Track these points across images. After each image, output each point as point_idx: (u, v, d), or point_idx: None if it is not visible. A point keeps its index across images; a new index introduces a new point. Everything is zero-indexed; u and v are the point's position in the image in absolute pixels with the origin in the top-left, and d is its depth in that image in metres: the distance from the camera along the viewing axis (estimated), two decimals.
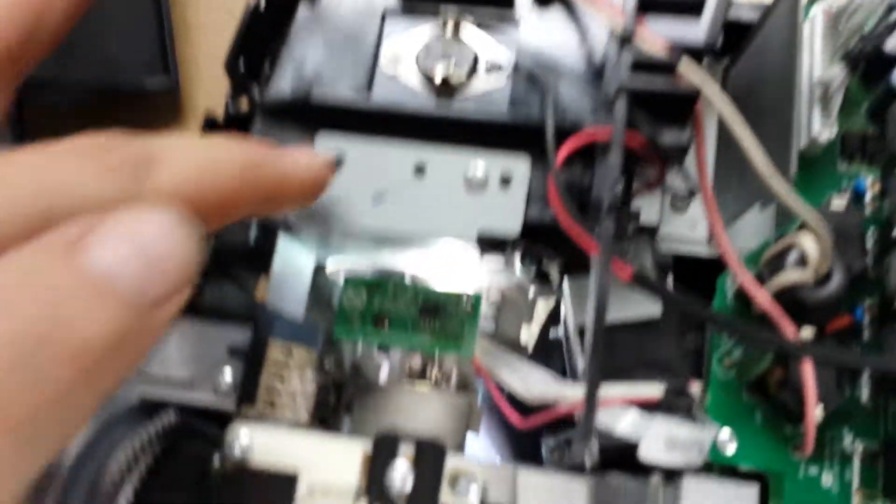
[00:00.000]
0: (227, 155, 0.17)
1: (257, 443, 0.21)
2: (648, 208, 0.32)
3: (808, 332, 0.26)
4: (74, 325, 0.13)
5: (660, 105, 0.22)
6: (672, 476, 0.24)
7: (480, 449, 0.36)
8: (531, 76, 0.26)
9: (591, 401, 0.20)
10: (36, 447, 0.13)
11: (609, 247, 0.20)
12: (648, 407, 0.24)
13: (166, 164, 0.16)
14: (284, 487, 0.21)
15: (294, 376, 0.32)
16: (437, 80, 0.26)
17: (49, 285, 0.13)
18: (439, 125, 0.25)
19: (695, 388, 0.26)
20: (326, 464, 0.22)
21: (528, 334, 0.34)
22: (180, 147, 0.16)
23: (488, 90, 0.26)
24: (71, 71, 0.42)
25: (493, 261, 0.26)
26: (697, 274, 0.32)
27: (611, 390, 0.23)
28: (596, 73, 0.25)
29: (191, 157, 0.16)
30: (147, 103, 0.47)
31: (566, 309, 0.29)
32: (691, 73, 0.23)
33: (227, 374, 0.25)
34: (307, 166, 0.20)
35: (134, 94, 0.46)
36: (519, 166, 0.24)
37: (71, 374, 0.13)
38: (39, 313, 0.13)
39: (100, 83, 0.44)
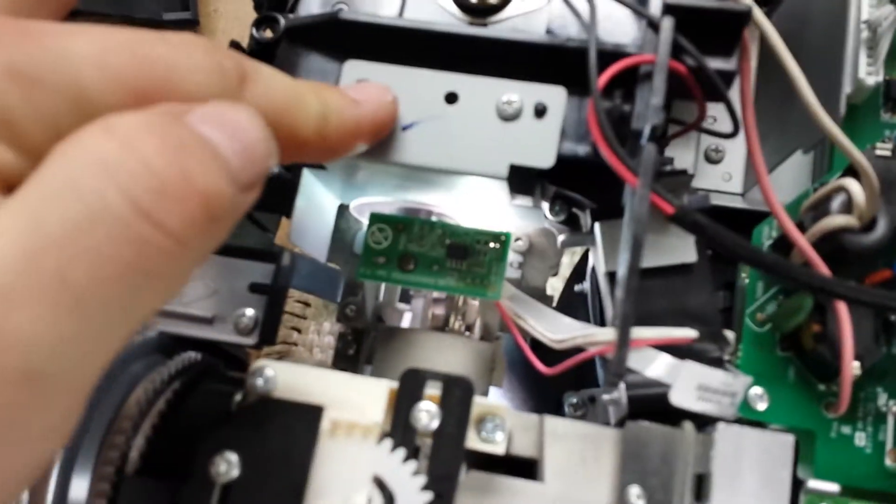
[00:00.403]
0: (312, 100, 0.19)
1: (282, 378, 0.21)
2: (682, 157, 0.31)
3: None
4: (194, 177, 0.14)
5: (708, 27, 0.21)
6: (704, 424, 0.23)
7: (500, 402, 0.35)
8: None
9: (623, 339, 0.19)
10: (146, 295, 0.14)
11: (650, 174, 0.19)
12: (680, 354, 0.23)
13: (262, 85, 0.17)
14: (309, 419, 0.20)
15: (311, 328, 0.31)
16: (473, 1, 0.24)
17: (172, 135, 0.14)
18: (472, 48, 0.24)
19: (729, 334, 0.25)
20: (351, 401, 0.21)
21: (553, 288, 0.33)
22: (274, 77, 0.18)
23: (525, 14, 0.24)
24: (90, 2, 0.41)
25: (523, 201, 0.26)
26: (731, 228, 0.31)
27: (643, 332, 0.22)
28: None
29: (281, 88, 0.18)
30: None
31: (596, 256, 0.28)
32: None
33: (249, 312, 0.24)
34: (378, 109, 0.22)
35: (151, 27, 0.46)
36: (555, 96, 0.23)
37: (187, 222, 0.14)
38: (166, 160, 0.13)
39: (116, 16, 0.43)
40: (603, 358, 0.29)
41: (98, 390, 0.23)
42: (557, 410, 0.33)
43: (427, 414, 0.21)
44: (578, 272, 0.37)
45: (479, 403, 0.21)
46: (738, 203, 0.32)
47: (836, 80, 0.26)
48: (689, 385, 0.21)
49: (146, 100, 0.15)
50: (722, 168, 0.32)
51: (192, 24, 0.43)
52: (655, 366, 0.22)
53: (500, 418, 0.21)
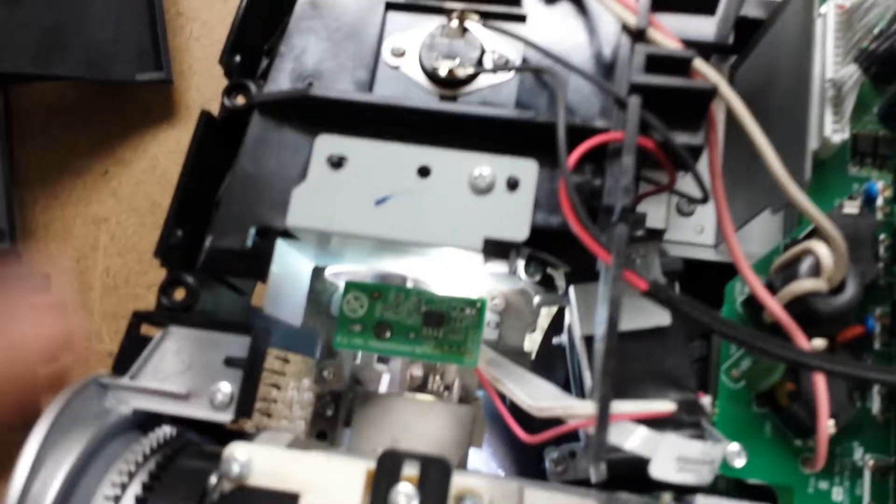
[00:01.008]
0: None
1: (256, 462, 0.20)
2: (655, 212, 0.31)
3: (819, 343, 0.26)
4: None
5: (674, 104, 0.22)
6: (682, 494, 0.23)
7: (482, 460, 0.35)
8: (539, 73, 0.25)
9: (603, 420, 0.19)
10: None
11: (623, 255, 0.19)
12: (657, 421, 0.23)
13: None
14: None
15: (290, 385, 0.31)
16: (443, 74, 0.25)
17: None
18: (444, 123, 0.24)
19: (705, 401, 0.25)
20: (328, 485, 0.21)
21: (531, 342, 0.33)
22: None
23: (494, 86, 0.25)
24: (60, 65, 0.41)
25: (497, 267, 0.26)
26: (703, 279, 0.31)
27: (621, 406, 0.22)
28: (605, 71, 0.24)
29: None
30: (138, 97, 0.46)
31: (571, 317, 0.28)
32: (706, 71, 0.22)
33: (225, 387, 0.24)
34: None
35: (125, 88, 0.45)
36: (526, 170, 0.23)
37: None
38: None
39: (89, 77, 0.42)
40: None
41: (74, 471, 0.22)
42: (538, 465, 0.33)
43: (405, 497, 0.20)
44: (556, 324, 0.37)
45: (456, 483, 0.21)
46: (710, 255, 0.32)
47: (801, 139, 0.27)
48: (668, 458, 0.22)
49: None
50: (694, 221, 0.32)
51: (165, 84, 0.42)
52: (633, 439, 0.22)
53: (478, 497, 0.21)
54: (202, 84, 0.45)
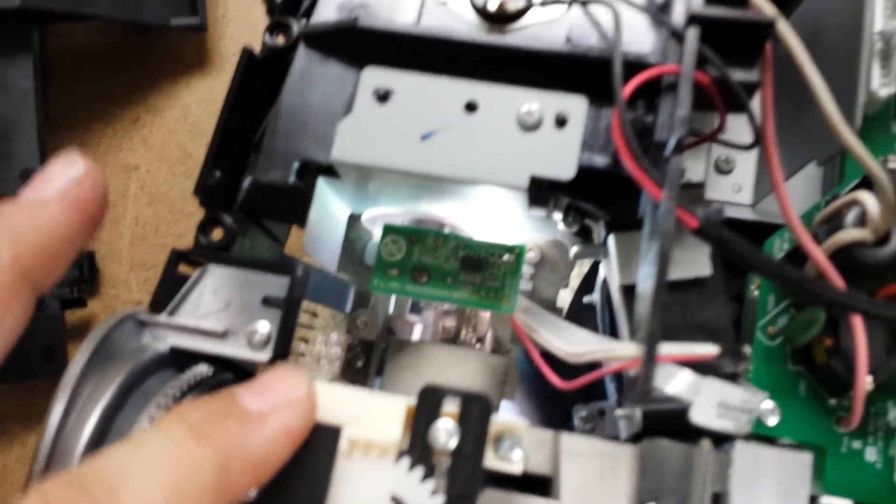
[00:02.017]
0: (206, 464, 0.17)
1: None
2: (694, 167, 0.31)
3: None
4: None
5: (731, 38, 0.21)
6: (720, 441, 0.23)
7: (512, 415, 0.35)
8: (592, 5, 0.25)
9: (650, 355, 0.19)
10: None
11: (677, 189, 0.19)
12: (697, 369, 0.23)
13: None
14: (327, 440, 0.20)
15: (318, 339, 0.31)
16: (492, 9, 0.24)
17: None
18: (491, 57, 0.23)
19: (747, 349, 0.25)
20: (368, 419, 0.21)
21: (564, 298, 0.33)
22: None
23: (545, 23, 0.24)
24: (95, 5, 0.40)
25: (536, 215, 0.25)
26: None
27: (665, 348, 0.22)
28: (660, 7, 0.24)
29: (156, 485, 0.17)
30: (171, 44, 0.45)
31: (609, 268, 0.28)
32: (764, 4, 0.21)
33: (263, 326, 0.24)
34: (289, 417, 0.19)
35: (157, 35, 0.45)
36: (575, 106, 0.23)
37: None
38: None
39: (124, 20, 0.42)
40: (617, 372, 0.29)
41: (110, 408, 0.22)
42: (566, 423, 0.33)
43: (445, 433, 0.20)
44: (587, 283, 0.37)
45: (496, 422, 0.21)
46: (748, 215, 0.32)
47: (850, 91, 0.26)
48: (709, 403, 0.21)
49: None
50: (732, 179, 0.32)
51: (200, 30, 0.42)
52: (676, 382, 0.21)
53: (517, 437, 0.21)
54: (237, 32, 0.44)
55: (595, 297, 0.34)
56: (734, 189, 0.32)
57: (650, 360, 0.18)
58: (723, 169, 0.32)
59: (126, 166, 0.43)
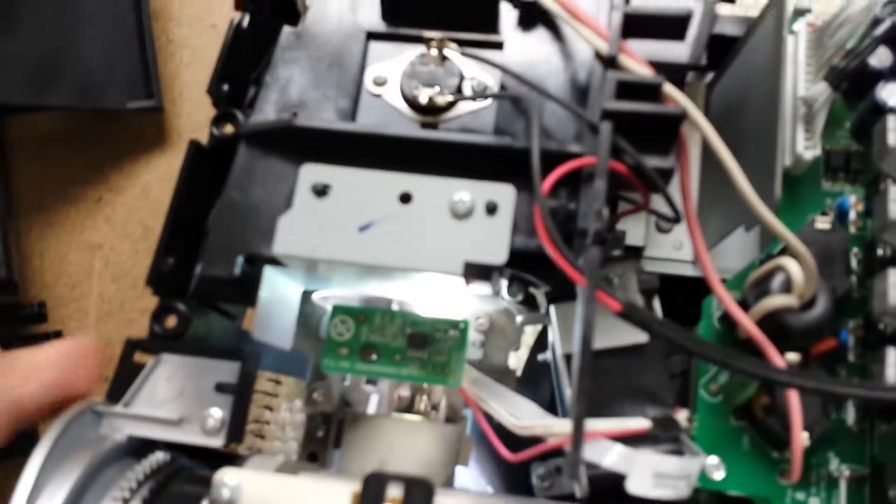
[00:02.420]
0: None
1: (245, 487, 0.21)
2: (634, 230, 0.32)
3: (793, 357, 0.26)
4: None
5: (645, 129, 0.22)
6: None
7: (471, 477, 0.36)
8: (516, 99, 0.26)
9: (577, 439, 0.20)
10: None
11: (595, 278, 0.20)
12: (635, 437, 0.24)
13: None
14: None
15: (283, 406, 0.32)
16: (423, 102, 0.25)
17: None
18: (424, 150, 0.25)
19: (681, 416, 0.26)
20: None
21: (516, 359, 0.34)
22: None
23: (473, 113, 0.25)
24: (53, 94, 0.42)
25: (480, 289, 0.26)
26: (684, 294, 0.32)
27: (597, 424, 0.23)
28: (580, 95, 0.25)
29: None
30: (130, 124, 0.47)
31: (553, 335, 0.29)
32: (676, 95, 0.23)
33: (216, 413, 0.25)
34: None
35: (117, 116, 0.46)
36: (504, 195, 0.24)
37: None
38: None
39: (82, 106, 0.43)
40: None
41: (71, 500, 0.23)
42: (526, 481, 0.33)
43: None
44: (542, 341, 0.37)
45: (441, 502, 0.22)
46: (689, 271, 0.33)
47: (773, 156, 0.28)
48: (644, 474, 0.22)
49: None
50: (672, 237, 0.33)
51: (156, 111, 0.43)
52: (610, 456, 0.22)
53: None
54: (193, 110, 0.45)
55: (548, 355, 0.35)
56: (675, 246, 0.33)
57: (576, 447, 0.19)
58: (663, 228, 0.33)
59: (90, 245, 0.44)
